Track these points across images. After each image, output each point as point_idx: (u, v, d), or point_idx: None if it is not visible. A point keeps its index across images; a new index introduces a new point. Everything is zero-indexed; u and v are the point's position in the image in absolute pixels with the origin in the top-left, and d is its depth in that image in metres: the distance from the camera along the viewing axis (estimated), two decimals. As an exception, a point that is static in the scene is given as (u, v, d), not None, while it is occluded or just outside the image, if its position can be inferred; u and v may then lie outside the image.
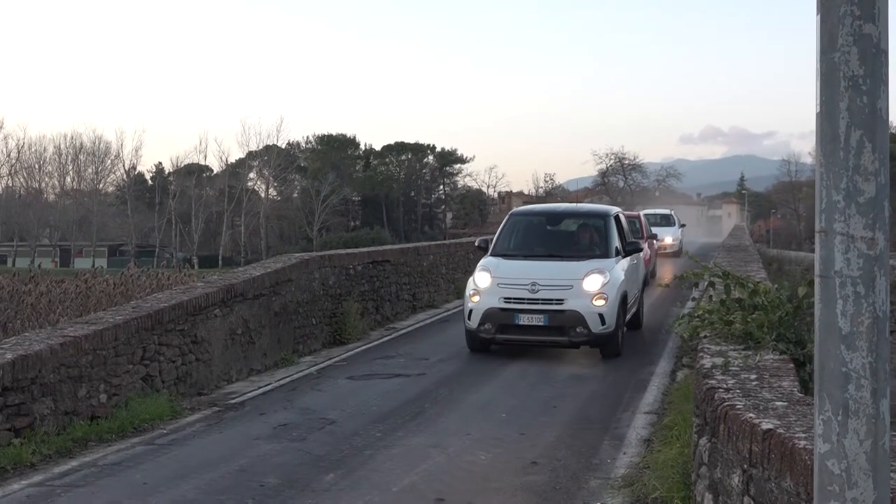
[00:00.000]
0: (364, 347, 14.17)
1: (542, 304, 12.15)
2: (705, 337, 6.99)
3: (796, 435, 3.68)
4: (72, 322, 10.09)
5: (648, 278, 20.40)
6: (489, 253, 13.54)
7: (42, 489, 7.07)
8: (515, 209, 15.43)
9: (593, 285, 12.17)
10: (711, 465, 4.87)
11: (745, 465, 4.07)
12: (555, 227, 14.35)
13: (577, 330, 11.99)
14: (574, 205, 17.30)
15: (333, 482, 7.16)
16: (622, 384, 10.97)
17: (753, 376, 5.26)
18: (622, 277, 12.72)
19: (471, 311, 12.58)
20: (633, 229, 21.17)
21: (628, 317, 13.41)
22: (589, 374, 11.53)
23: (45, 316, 18.87)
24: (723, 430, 4.49)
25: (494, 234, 14.38)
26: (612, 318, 12.11)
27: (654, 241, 24.92)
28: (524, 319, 12.21)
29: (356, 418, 9.31)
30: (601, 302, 12.07)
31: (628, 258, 13.63)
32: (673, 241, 32.71)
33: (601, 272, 12.34)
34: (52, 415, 8.32)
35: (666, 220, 34.68)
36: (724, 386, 4.98)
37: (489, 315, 12.37)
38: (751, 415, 4.17)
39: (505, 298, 12.30)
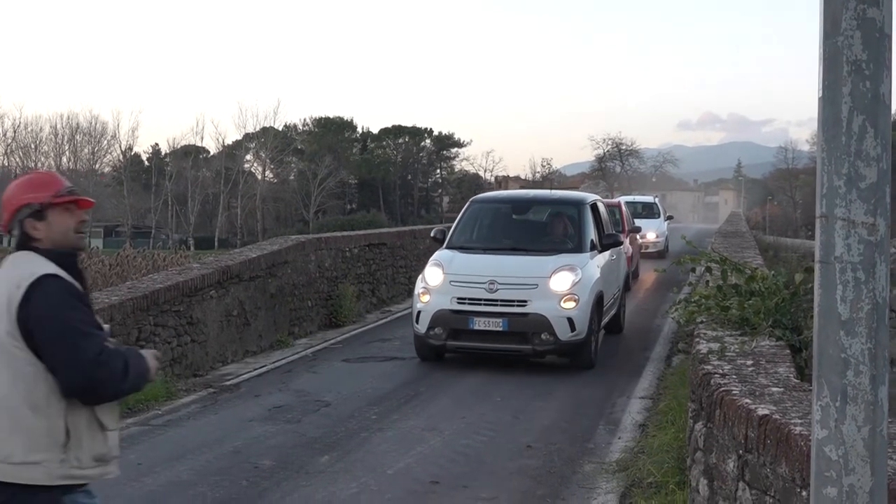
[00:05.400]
0: (360, 330, 14.18)
1: (501, 305, 10.47)
2: (702, 322, 6.99)
3: (792, 421, 3.68)
4: (67, 302, 10.06)
5: (631, 279, 18.30)
6: (444, 245, 11.79)
7: (37, 469, 7.06)
8: (477, 195, 13.74)
9: (562, 284, 10.50)
10: (707, 451, 4.87)
11: (741, 451, 4.08)
12: (521, 217, 12.69)
13: (542, 337, 10.34)
14: (544, 191, 15.15)
15: (328, 464, 7.17)
16: (617, 369, 10.99)
17: (750, 362, 5.26)
18: (597, 275, 11.09)
19: (419, 312, 10.85)
20: (612, 221, 18.77)
21: (606, 320, 11.92)
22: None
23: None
24: (718, 415, 4.49)
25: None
26: (583, 324, 10.43)
27: (637, 237, 21.79)
28: (480, 324, 10.50)
29: (351, 401, 9.32)
30: (571, 304, 10.40)
31: (606, 253, 12.08)
32: (657, 237, 26.71)
33: (572, 269, 10.67)
34: (47, 395, 8.30)
35: (649, 211, 28.52)
36: (721, 371, 4.98)
37: (439, 318, 10.64)
38: (747, 400, 4.18)
39: (458, 299, 10.62)
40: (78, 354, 3.04)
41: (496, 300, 10.49)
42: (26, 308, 3.06)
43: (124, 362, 3.15)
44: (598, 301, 10.97)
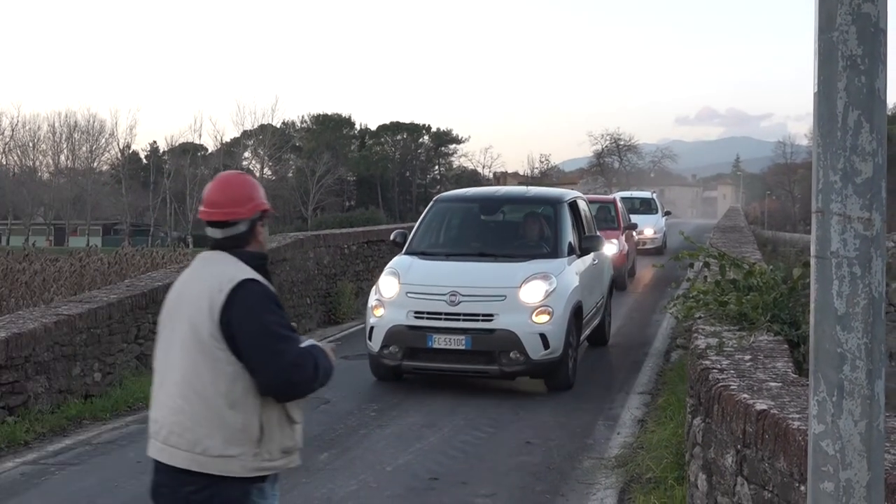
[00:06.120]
0: (358, 327, 14.15)
1: (463, 320, 9.21)
2: (700, 318, 7.00)
3: (790, 416, 3.69)
4: (66, 300, 10.08)
5: (627, 279, 18.22)
6: (403, 250, 10.55)
7: (36, 467, 7.08)
8: (442, 194, 12.39)
9: (534, 295, 9.26)
10: (705, 446, 4.88)
11: (739, 446, 4.08)
12: (490, 218, 11.22)
13: (511, 356, 9.06)
14: (517, 188, 13.62)
15: (328, 461, 7.18)
16: (616, 365, 11.01)
17: (748, 357, 5.27)
18: (575, 283, 9.80)
19: (371, 328, 9.62)
20: (607, 217, 18.75)
21: (587, 332, 10.72)
22: (583, 355, 11.53)
23: (40, 294, 18.83)
24: (717, 410, 4.50)
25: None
26: (558, 340, 9.17)
27: (634, 233, 20.98)
28: (440, 342, 9.23)
29: (351, 398, 9.32)
30: (544, 318, 9.15)
31: (587, 257, 10.81)
32: (654, 233, 26.17)
33: (545, 278, 9.39)
34: (46, 393, 8.32)
35: (646, 206, 28.02)
36: (719, 366, 4.98)
37: (394, 335, 9.40)
38: (745, 395, 4.18)
39: (415, 313, 9.33)
40: (277, 358, 3.21)
41: (458, 314, 9.25)
42: (228, 312, 3.21)
43: (315, 361, 3.34)
44: (577, 313, 9.75)
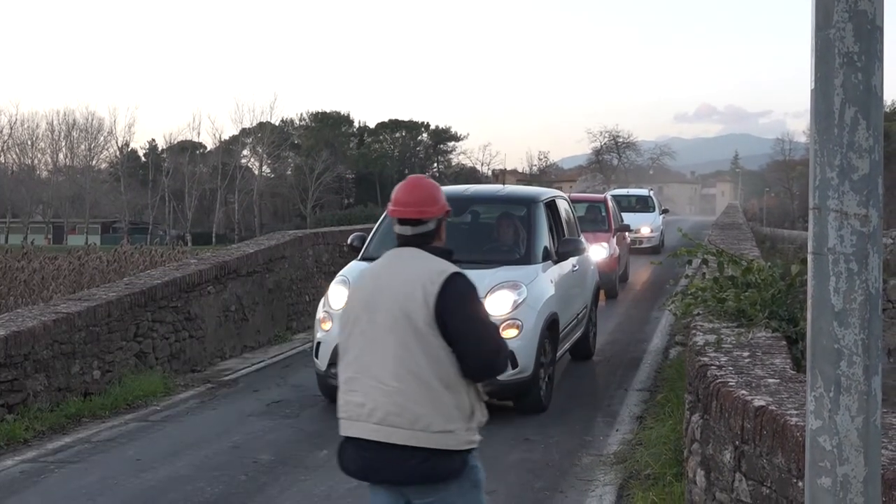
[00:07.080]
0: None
1: None
2: (698, 314, 7.00)
3: (788, 412, 3.70)
4: (65, 298, 10.08)
5: (617, 285, 17.02)
6: (359, 256, 9.39)
7: (35, 465, 7.08)
8: None
9: (500, 307, 8.18)
10: (703, 442, 4.89)
11: (737, 442, 4.09)
12: (457, 220, 9.69)
13: None
14: (489, 187, 12.39)
15: (327, 459, 7.18)
16: (615, 362, 11.00)
17: (746, 353, 5.27)
18: (549, 293, 8.81)
19: (318, 344, 8.57)
20: (597, 218, 17.93)
21: (566, 347, 9.72)
22: (582, 351, 11.54)
23: (39, 292, 18.85)
24: (715, 406, 4.50)
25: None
26: (528, 358, 8.10)
27: (627, 234, 19.60)
28: None
29: (350, 395, 9.30)
30: (512, 332, 8.10)
31: (566, 263, 9.72)
32: (651, 231, 25.09)
33: (514, 287, 8.39)
34: (45, 391, 8.32)
35: (643, 204, 26.88)
36: (717, 363, 4.99)
37: None
38: (743, 392, 4.19)
39: None
40: (483, 343, 3.55)
41: None
42: (441, 301, 3.51)
43: (506, 346, 3.69)
44: (551, 326, 8.75)
